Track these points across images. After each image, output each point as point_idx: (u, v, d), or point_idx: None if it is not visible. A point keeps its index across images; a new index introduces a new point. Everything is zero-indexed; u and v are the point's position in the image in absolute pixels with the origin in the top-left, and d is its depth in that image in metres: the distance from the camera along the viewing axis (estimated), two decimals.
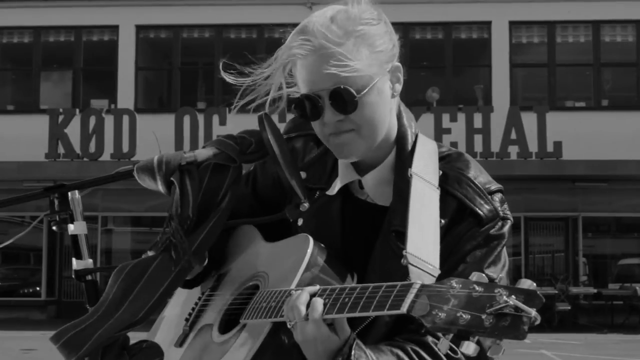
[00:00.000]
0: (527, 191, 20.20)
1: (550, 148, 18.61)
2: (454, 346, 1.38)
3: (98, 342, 1.71)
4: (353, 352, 1.61)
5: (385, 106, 1.81)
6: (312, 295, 1.64)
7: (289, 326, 1.66)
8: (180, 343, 1.98)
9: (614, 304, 19.82)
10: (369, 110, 1.76)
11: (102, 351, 1.72)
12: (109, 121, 19.05)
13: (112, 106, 21.02)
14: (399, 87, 1.84)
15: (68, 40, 22.27)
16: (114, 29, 21.96)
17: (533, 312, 1.32)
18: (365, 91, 1.73)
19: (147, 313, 1.74)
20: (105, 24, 21.94)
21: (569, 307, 19.13)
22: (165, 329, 2.08)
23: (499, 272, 1.78)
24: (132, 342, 1.78)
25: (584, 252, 21.20)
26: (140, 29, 22.05)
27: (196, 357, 1.90)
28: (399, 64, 1.84)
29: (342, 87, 1.71)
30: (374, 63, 1.76)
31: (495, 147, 18.47)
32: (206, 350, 1.88)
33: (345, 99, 1.72)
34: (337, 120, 1.75)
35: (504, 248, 1.82)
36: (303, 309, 1.61)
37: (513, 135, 18.53)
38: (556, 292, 19.07)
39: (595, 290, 19.75)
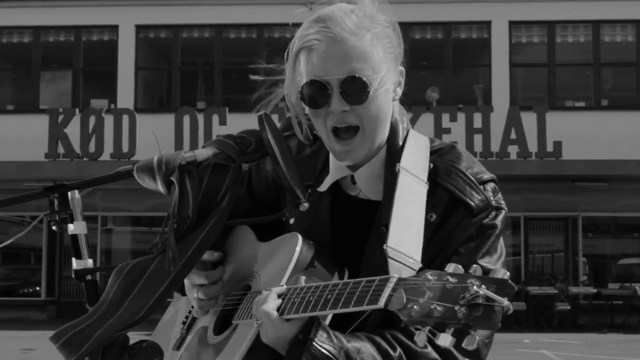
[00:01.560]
0: (527, 191, 20.20)
1: (550, 148, 18.61)
2: (431, 336, 1.37)
3: (98, 341, 1.71)
4: (313, 331, 1.61)
5: (388, 107, 1.82)
6: (280, 295, 1.65)
7: (255, 325, 1.67)
8: (178, 346, 1.98)
9: (613, 304, 19.81)
10: (375, 106, 1.76)
11: (102, 351, 1.72)
12: (108, 121, 19.05)
13: (112, 106, 21.02)
14: (399, 91, 1.86)
15: (68, 40, 22.27)
16: (114, 28, 21.96)
17: (505, 301, 1.31)
18: (376, 86, 1.74)
19: (146, 313, 1.74)
20: (105, 23, 21.94)
21: (569, 307, 19.12)
22: (164, 332, 2.09)
23: (495, 262, 1.77)
24: (132, 342, 1.78)
25: (584, 252, 21.19)
26: (140, 28, 22.04)
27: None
28: (403, 69, 1.86)
29: (356, 75, 1.72)
30: (385, 62, 1.77)
31: (495, 147, 18.47)
32: (202, 352, 1.88)
33: (356, 89, 1.73)
34: (343, 111, 1.75)
35: (500, 238, 1.81)
36: (263, 308, 1.64)
37: (513, 135, 18.53)
38: (556, 292, 19.08)
39: (595, 290, 19.74)
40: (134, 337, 1.78)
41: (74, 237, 1.85)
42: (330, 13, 1.76)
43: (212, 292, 1.93)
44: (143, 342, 1.79)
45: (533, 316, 18.81)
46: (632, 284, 19.84)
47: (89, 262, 1.86)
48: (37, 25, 22.00)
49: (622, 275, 20.94)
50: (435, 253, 1.73)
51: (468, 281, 1.34)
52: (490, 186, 1.83)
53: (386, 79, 1.77)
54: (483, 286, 1.32)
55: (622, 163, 18.83)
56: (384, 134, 1.83)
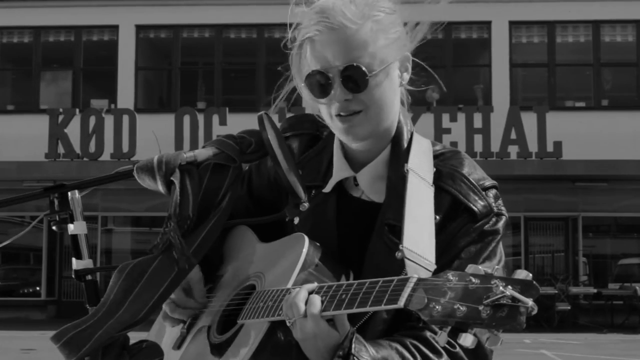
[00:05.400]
0: (527, 191, 20.20)
1: (550, 148, 18.62)
2: (452, 340, 1.38)
3: (98, 342, 1.70)
4: (353, 346, 1.61)
5: (392, 92, 1.84)
6: (310, 293, 1.64)
7: (288, 324, 1.65)
8: (178, 345, 1.97)
9: (614, 304, 19.82)
10: (377, 92, 1.78)
11: (102, 351, 1.72)
12: (109, 121, 19.05)
13: (112, 106, 21.03)
14: (406, 76, 1.89)
15: (68, 40, 22.28)
16: (114, 29, 21.97)
17: (530, 302, 1.32)
18: (376, 72, 1.77)
19: (147, 313, 1.74)
20: (105, 24, 21.95)
21: (569, 307, 19.13)
22: (163, 331, 2.08)
23: (494, 267, 1.79)
24: (132, 342, 1.77)
25: (584, 252, 21.21)
26: (140, 29, 22.05)
27: (194, 359, 1.90)
28: (409, 54, 1.88)
29: (354, 64, 1.75)
30: (386, 49, 1.79)
31: (495, 147, 18.47)
32: (205, 352, 1.87)
33: (356, 77, 1.75)
34: (346, 99, 1.77)
35: (500, 243, 1.83)
36: (302, 306, 1.61)
37: (513, 135, 18.54)
38: (556, 292, 19.08)
39: (595, 290, 19.76)
40: (134, 337, 1.78)
41: (74, 237, 1.85)
42: (331, 4, 1.79)
43: (176, 314, 1.94)
44: (143, 342, 1.79)
45: (533, 316, 18.78)
46: (633, 284, 19.85)
47: (89, 262, 1.86)
48: (38, 25, 22.01)
49: (622, 276, 20.96)
50: (436, 255, 1.73)
51: (492, 282, 1.34)
52: (492, 192, 1.85)
53: (388, 65, 1.79)
54: (509, 287, 1.33)
55: (622, 163, 18.84)
56: (388, 119, 1.85)
